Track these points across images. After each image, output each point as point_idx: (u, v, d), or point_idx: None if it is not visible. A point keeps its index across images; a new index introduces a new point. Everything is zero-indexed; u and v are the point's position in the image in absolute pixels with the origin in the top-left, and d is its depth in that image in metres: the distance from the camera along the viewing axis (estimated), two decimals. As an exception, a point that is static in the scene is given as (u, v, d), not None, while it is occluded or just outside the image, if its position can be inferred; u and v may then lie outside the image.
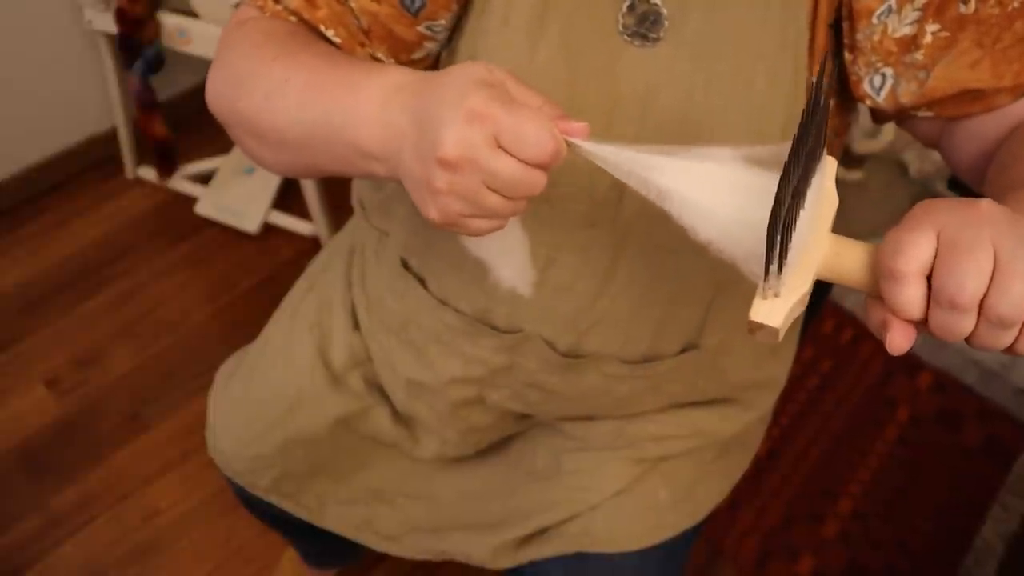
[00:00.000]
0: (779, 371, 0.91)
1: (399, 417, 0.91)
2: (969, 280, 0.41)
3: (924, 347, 1.73)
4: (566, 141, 0.50)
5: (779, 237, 0.43)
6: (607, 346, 0.76)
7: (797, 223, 0.46)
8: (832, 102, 0.67)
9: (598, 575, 0.86)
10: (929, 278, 0.43)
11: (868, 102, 0.65)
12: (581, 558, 0.86)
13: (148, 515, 1.49)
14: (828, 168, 0.49)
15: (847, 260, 0.47)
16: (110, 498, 1.51)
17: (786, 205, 0.43)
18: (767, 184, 0.44)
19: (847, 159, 1.77)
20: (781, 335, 0.47)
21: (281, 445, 0.90)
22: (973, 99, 0.61)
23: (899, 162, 1.78)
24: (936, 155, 1.72)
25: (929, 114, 0.64)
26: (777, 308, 0.46)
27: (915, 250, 0.42)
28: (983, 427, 1.64)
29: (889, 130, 1.77)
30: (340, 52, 0.62)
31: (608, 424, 0.85)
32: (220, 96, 0.62)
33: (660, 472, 0.86)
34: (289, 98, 0.57)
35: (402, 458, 0.93)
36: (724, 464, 0.91)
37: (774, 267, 0.44)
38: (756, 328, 0.47)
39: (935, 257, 0.43)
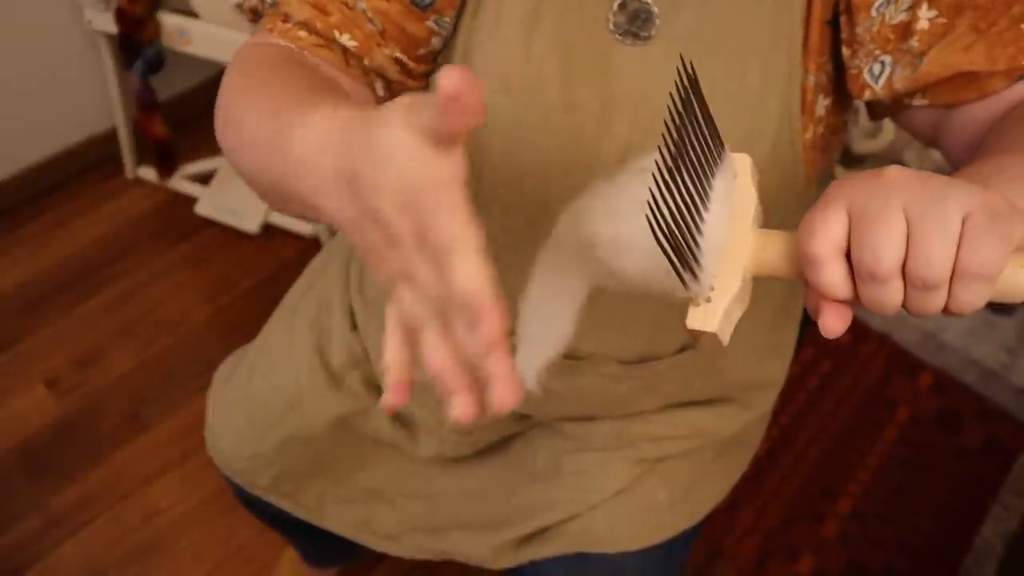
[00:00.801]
0: (777, 371, 0.91)
1: (398, 417, 0.91)
2: (883, 249, 0.40)
3: (924, 347, 1.74)
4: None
5: (675, 243, 0.42)
6: (604, 347, 0.76)
7: (704, 225, 0.44)
8: (828, 101, 0.67)
9: (598, 575, 0.86)
10: (850, 256, 0.42)
11: (867, 93, 0.64)
12: (581, 558, 0.86)
13: (148, 515, 1.49)
14: (740, 164, 0.48)
15: (771, 252, 0.46)
16: (110, 498, 1.51)
17: (667, 208, 0.41)
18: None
19: (847, 159, 1.77)
20: (724, 339, 0.46)
21: (280, 444, 0.91)
22: (967, 84, 0.61)
23: (899, 162, 1.78)
24: (936, 155, 1.72)
25: (924, 102, 0.63)
26: (711, 312, 0.45)
27: (826, 228, 0.41)
28: (983, 427, 1.64)
29: (889, 130, 1.77)
30: (302, 84, 0.55)
31: (608, 424, 0.85)
32: (217, 129, 0.59)
33: (659, 472, 0.86)
34: (249, 140, 0.52)
35: (401, 458, 0.93)
36: (724, 464, 0.91)
37: (687, 275, 0.43)
38: (697, 335, 0.46)
39: (849, 233, 0.42)
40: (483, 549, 0.91)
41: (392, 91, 0.68)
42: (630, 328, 0.75)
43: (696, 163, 0.44)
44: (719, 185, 0.46)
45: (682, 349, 0.78)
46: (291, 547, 1.35)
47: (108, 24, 1.72)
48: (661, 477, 0.86)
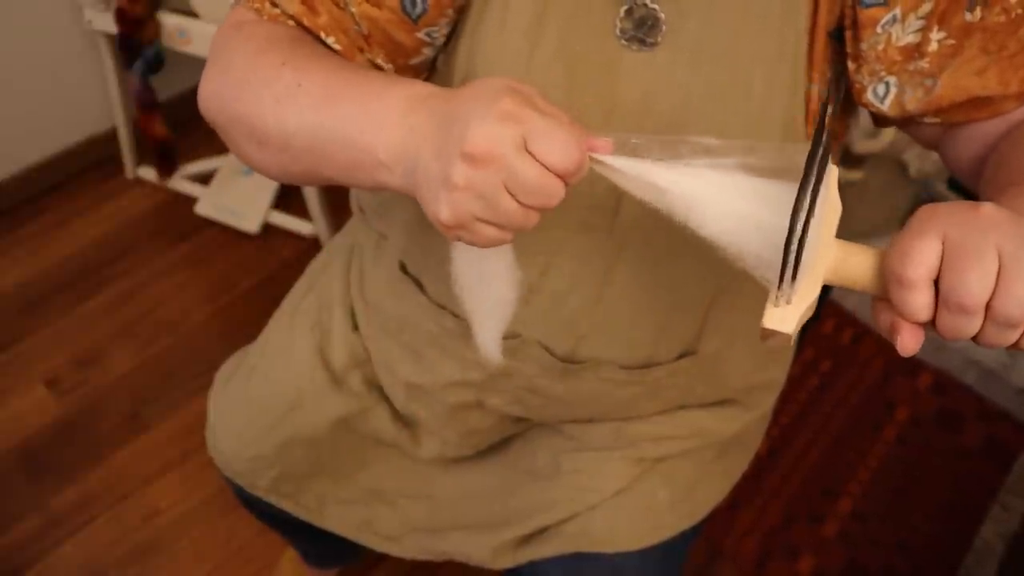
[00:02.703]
0: (778, 373, 0.91)
1: (399, 417, 0.91)
2: (976, 284, 0.43)
3: (924, 347, 1.73)
4: (590, 157, 0.50)
5: (795, 248, 0.44)
6: (605, 351, 0.76)
7: (809, 231, 0.47)
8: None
9: (597, 575, 0.86)
10: (936, 281, 0.44)
11: (872, 110, 0.65)
12: (580, 558, 0.86)
13: (148, 515, 1.49)
14: (831, 176, 0.51)
15: (854, 266, 0.49)
16: (110, 498, 1.51)
17: (803, 219, 0.44)
18: (774, 191, 0.46)
19: (847, 159, 1.77)
20: (793, 341, 0.49)
21: (281, 445, 0.90)
22: (980, 106, 0.62)
23: (899, 162, 1.78)
24: (936, 156, 1.72)
25: (935, 120, 0.64)
26: (789, 315, 0.48)
27: (922, 256, 0.44)
28: (983, 427, 1.64)
29: (889, 131, 1.77)
30: (348, 61, 0.61)
31: (607, 424, 0.85)
32: (216, 98, 0.61)
33: (659, 472, 0.86)
34: (301, 102, 0.56)
35: (402, 458, 0.93)
36: (724, 464, 0.91)
37: (788, 275, 0.46)
38: (768, 335, 0.48)
39: (941, 262, 0.44)
40: (483, 549, 0.91)
41: None
42: (632, 333, 0.75)
43: (821, 171, 0.47)
44: (821, 192, 0.49)
45: (682, 355, 0.78)
46: (291, 547, 1.35)
47: (108, 24, 1.72)
48: (661, 477, 0.86)
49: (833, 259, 0.49)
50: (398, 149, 0.52)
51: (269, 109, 0.57)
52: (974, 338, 0.46)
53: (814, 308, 0.50)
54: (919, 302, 0.44)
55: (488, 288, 0.59)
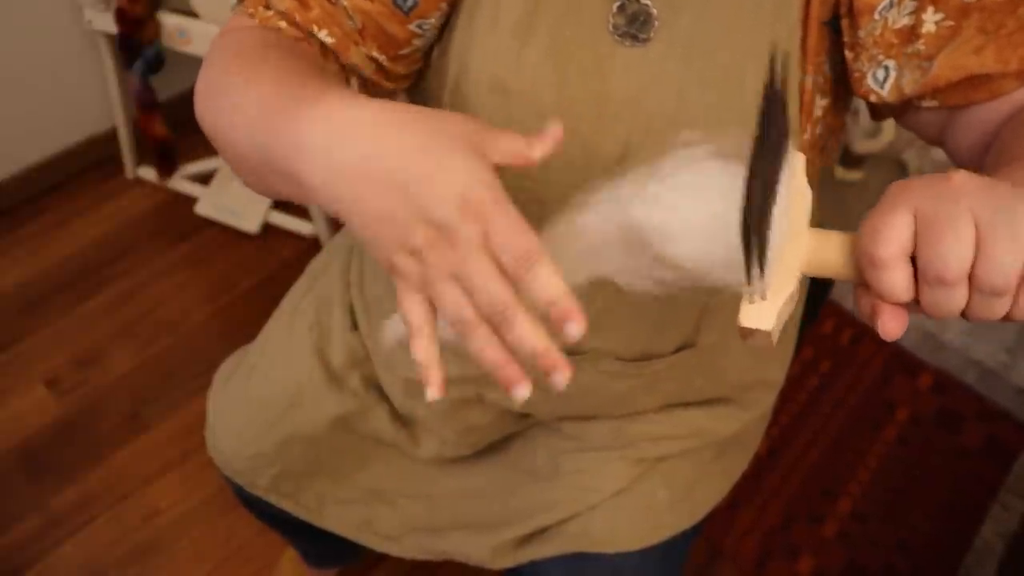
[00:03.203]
0: (777, 370, 0.91)
1: (398, 417, 0.91)
2: (953, 254, 0.40)
3: (924, 347, 1.74)
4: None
5: (754, 238, 0.42)
6: (604, 344, 0.76)
7: (772, 222, 0.45)
8: (825, 102, 0.67)
9: (597, 575, 0.86)
10: (913, 258, 0.42)
11: (872, 97, 0.64)
12: (580, 558, 0.86)
13: (148, 515, 1.49)
14: (796, 162, 0.48)
15: (828, 252, 0.46)
16: (110, 498, 1.51)
17: (757, 204, 0.42)
18: (726, 184, 0.43)
19: (847, 159, 1.77)
20: (775, 338, 0.46)
21: (280, 444, 0.91)
22: (978, 85, 0.61)
23: (899, 162, 1.78)
24: (936, 155, 1.72)
25: (933, 103, 0.63)
26: (766, 311, 0.45)
27: (893, 232, 0.42)
28: (983, 427, 1.64)
29: (889, 130, 1.77)
30: (300, 67, 0.56)
31: (607, 424, 0.85)
32: (201, 111, 0.59)
33: (659, 472, 0.86)
34: (242, 118, 0.53)
35: (402, 458, 0.93)
36: (723, 464, 0.91)
37: (755, 270, 0.43)
38: (748, 334, 0.46)
39: (915, 236, 0.42)
40: (483, 549, 0.91)
41: (367, 88, 0.67)
42: (631, 326, 0.75)
43: (777, 158, 0.45)
44: (782, 182, 0.46)
45: (681, 348, 0.78)
46: (291, 547, 1.35)
47: (108, 24, 1.72)
48: (661, 477, 0.86)
49: (806, 248, 0.47)
50: (330, 191, 0.46)
51: (225, 124, 0.55)
52: (964, 313, 0.43)
53: (795, 301, 0.48)
54: (895, 280, 0.42)
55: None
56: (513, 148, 0.46)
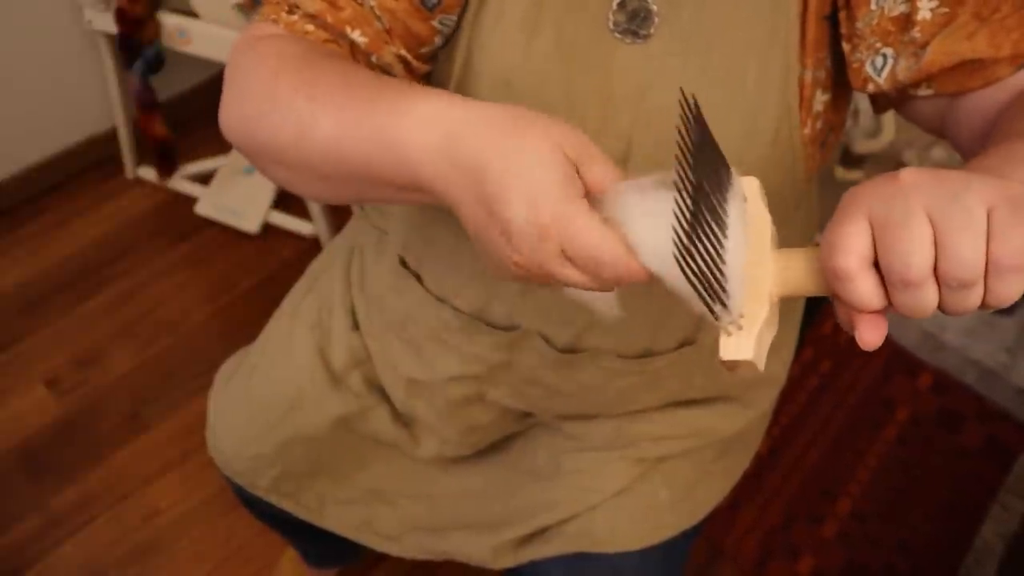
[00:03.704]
0: (778, 369, 0.91)
1: (399, 417, 0.91)
2: (914, 255, 0.40)
3: (924, 347, 1.74)
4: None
5: (704, 277, 0.42)
6: (605, 342, 0.76)
7: (726, 255, 0.44)
8: (826, 97, 0.67)
9: (598, 575, 0.86)
10: (878, 264, 0.42)
11: (870, 87, 0.64)
12: (581, 558, 0.86)
13: (148, 515, 1.49)
14: (748, 189, 0.47)
15: (795, 272, 0.46)
16: (110, 498, 1.51)
17: (689, 245, 0.41)
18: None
19: (847, 159, 1.77)
20: (760, 365, 0.46)
21: (281, 445, 0.91)
22: (972, 72, 0.60)
23: (899, 162, 1.78)
24: (936, 154, 1.72)
25: (928, 91, 0.63)
26: (743, 341, 0.45)
27: (849, 242, 0.41)
28: (983, 427, 1.64)
29: (889, 130, 1.77)
30: (356, 71, 0.57)
31: (608, 424, 0.85)
32: (238, 127, 0.59)
33: (660, 472, 0.86)
34: (319, 133, 0.53)
35: (402, 458, 0.93)
36: (724, 464, 0.91)
37: (717, 307, 0.43)
38: (732, 366, 0.45)
39: (875, 242, 0.41)
40: (483, 549, 0.91)
41: None
42: (631, 323, 0.75)
43: (712, 194, 0.44)
44: (732, 211, 0.46)
45: (682, 345, 0.78)
46: (291, 547, 1.35)
47: (108, 24, 1.72)
48: (662, 476, 0.86)
49: (774, 271, 0.46)
50: (434, 182, 0.49)
51: (290, 142, 0.55)
52: (940, 309, 0.42)
53: (775, 325, 0.47)
54: (862, 291, 0.41)
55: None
56: (606, 173, 0.47)
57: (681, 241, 0.41)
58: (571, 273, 0.46)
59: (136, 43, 1.71)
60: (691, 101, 0.45)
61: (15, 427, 1.59)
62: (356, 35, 0.62)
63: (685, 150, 0.43)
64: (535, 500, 0.88)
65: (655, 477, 0.86)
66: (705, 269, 0.42)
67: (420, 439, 0.91)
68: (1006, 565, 1.45)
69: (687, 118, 0.44)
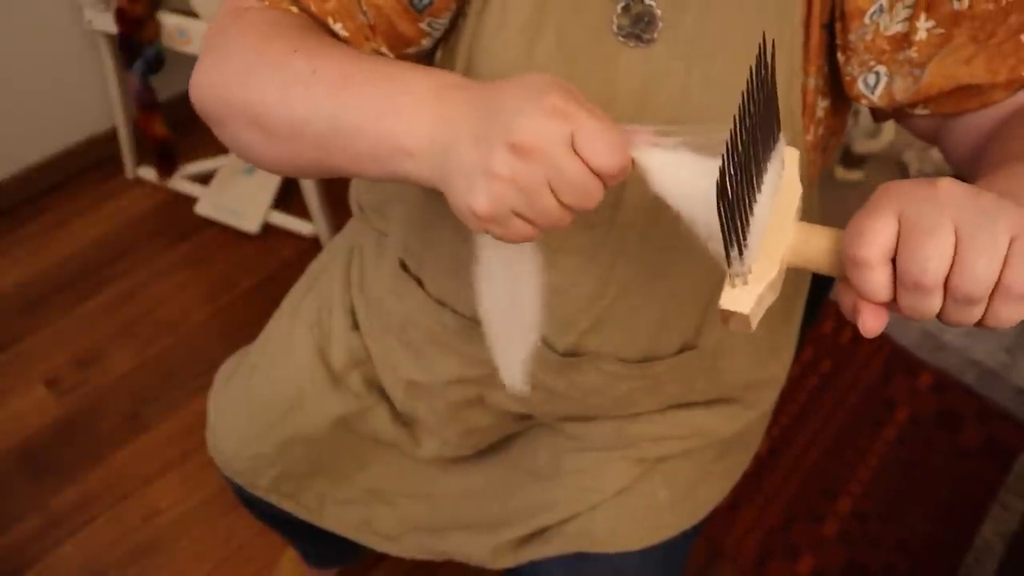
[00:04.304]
0: (778, 370, 0.91)
1: (399, 417, 0.91)
2: (931, 262, 0.41)
3: (924, 347, 1.74)
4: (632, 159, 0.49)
5: (731, 216, 0.43)
6: (606, 346, 0.76)
7: (755, 208, 0.46)
8: (826, 103, 0.67)
9: (598, 575, 0.86)
10: (895, 260, 0.43)
11: (864, 102, 0.65)
12: (581, 558, 0.86)
13: (148, 515, 1.49)
14: (788, 157, 0.50)
15: (813, 246, 0.48)
16: (110, 498, 1.51)
17: (733, 181, 0.43)
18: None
19: (847, 159, 1.77)
20: (753, 323, 0.48)
21: (281, 445, 0.91)
22: (969, 95, 0.61)
23: (899, 162, 1.78)
24: (936, 155, 1.72)
25: (925, 111, 0.64)
26: (745, 295, 0.47)
27: (876, 236, 0.43)
28: (983, 427, 1.64)
29: (889, 130, 1.77)
30: (358, 49, 0.60)
31: (608, 424, 0.85)
32: (214, 87, 0.59)
33: (660, 472, 0.86)
34: (315, 89, 0.54)
35: (402, 458, 0.93)
36: (724, 464, 0.91)
37: (734, 252, 0.45)
38: (727, 316, 0.47)
39: (898, 240, 0.43)
40: (483, 549, 0.91)
41: None
42: (632, 327, 0.75)
43: (761, 144, 0.46)
44: (770, 172, 0.48)
45: (683, 349, 0.78)
46: (291, 547, 1.34)
47: (108, 24, 1.72)
48: (662, 477, 0.86)
49: (792, 240, 0.48)
50: (427, 138, 0.50)
51: (278, 97, 0.55)
52: (939, 317, 0.44)
53: (777, 290, 0.49)
54: (876, 282, 0.43)
55: (517, 295, 0.58)
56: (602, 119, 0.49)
57: (728, 172, 0.42)
58: (573, 164, 0.46)
59: (136, 43, 1.71)
60: (770, 47, 0.46)
61: (15, 427, 1.59)
62: (338, 27, 0.62)
63: (754, 90, 0.44)
64: (535, 500, 0.88)
65: (655, 477, 0.86)
66: (736, 211, 0.43)
67: (420, 439, 0.91)
68: (1006, 565, 1.45)
69: (762, 62, 0.45)
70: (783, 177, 0.49)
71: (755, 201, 0.46)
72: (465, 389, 0.83)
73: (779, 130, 0.48)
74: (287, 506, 0.95)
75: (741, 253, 0.45)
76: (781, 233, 0.48)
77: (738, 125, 0.43)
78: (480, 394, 0.84)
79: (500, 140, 0.46)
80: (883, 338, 1.77)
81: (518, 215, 0.48)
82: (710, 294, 0.74)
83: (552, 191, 0.47)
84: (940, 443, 1.63)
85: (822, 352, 1.75)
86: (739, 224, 0.44)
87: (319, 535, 1.03)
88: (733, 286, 0.47)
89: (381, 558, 1.40)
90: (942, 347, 1.70)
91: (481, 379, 0.82)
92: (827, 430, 1.64)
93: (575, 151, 0.46)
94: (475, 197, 0.47)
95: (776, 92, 0.47)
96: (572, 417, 0.86)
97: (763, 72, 0.45)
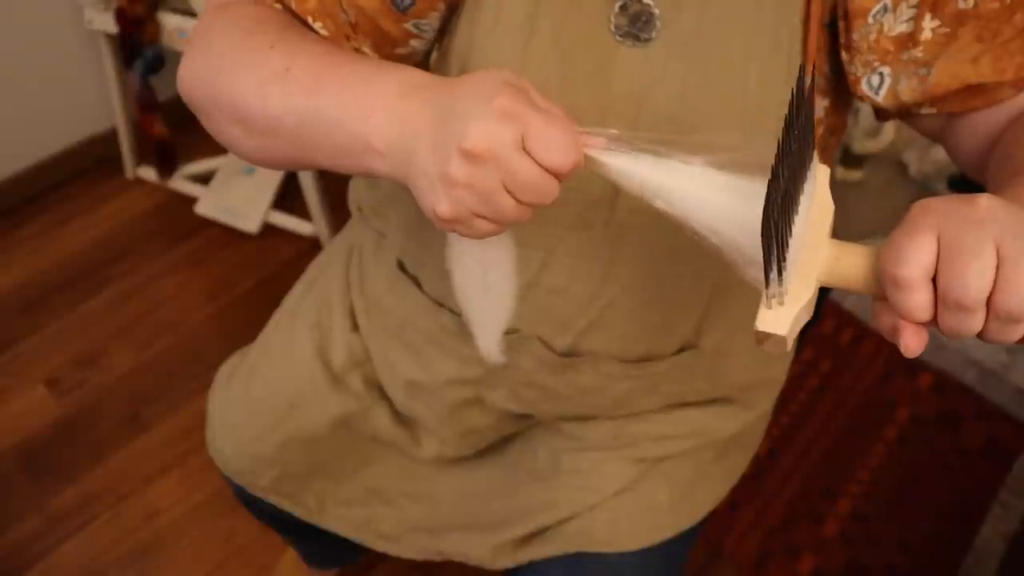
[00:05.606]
0: (778, 370, 0.91)
1: (399, 417, 0.91)
2: (974, 281, 0.41)
3: (924, 347, 1.73)
4: (585, 155, 0.50)
5: (774, 243, 0.43)
6: (604, 346, 0.76)
7: (793, 229, 0.46)
8: (826, 103, 0.67)
9: (597, 575, 0.86)
10: (935, 279, 0.43)
11: (868, 102, 0.65)
12: (580, 558, 0.86)
13: (148, 515, 1.49)
14: (820, 175, 0.50)
15: (848, 265, 0.47)
16: (110, 498, 1.51)
17: (776, 209, 0.43)
18: (756, 189, 0.45)
19: (847, 159, 1.77)
20: (790, 343, 0.47)
21: (281, 445, 0.91)
22: (975, 94, 0.61)
23: (899, 162, 1.78)
24: (936, 155, 1.72)
25: (932, 111, 0.64)
26: (782, 316, 0.46)
27: (917, 256, 0.43)
28: (983, 427, 1.64)
29: (889, 130, 1.77)
30: (338, 47, 0.60)
31: (607, 424, 0.85)
32: (199, 80, 0.60)
33: (660, 472, 0.86)
34: (289, 86, 0.55)
35: (402, 458, 0.93)
36: (724, 464, 0.91)
37: (774, 274, 0.45)
38: (764, 338, 0.47)
39: (938, 259, 0.43)
40: (483, 549, 0.91)
41: None
42: (631, 328, 0.75)
43: (801, 167, 0.46)
44: (806, 190, 0.48)
45: (682, 349, 0.78)
46: (291, 548, 1.34)
47: (108, 24, 1.72)
48: (662, 477, 0.86)
49: (826, 259, 0.48)
50: (390, 137, 0.51)
51: (255, 92, 0.57)
52: (979, 335, 0.44)
53: (811, 310, 0.49)
54: (917, 302, 0.43)
55: (488, 281, 0.59)
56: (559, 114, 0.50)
57: (775, 201, 0.42)
58: (525, 166, 0.47)
59: (136, 43, 1.71)
60: (809, 74, 0.47)
61: (15, 427, 1.59)
62: (318, 26, 0.62)
63: (794, 119, 0.45)
64: (535, 500, 0.88)
65: (655, 477, 0.86)
66: (775, 235, 0.44)
67: (420, 439, 0.91)
68: (1006, 564, 1.45)
69: (802, 89, 0.45)
70: (815, 194, 0.49)
71: (793, 223, 0.46)
72: (464, 389, 0.83)
73: (814, 149, 0.49)
74: (287, 506, 0.95)
75: (780, 275, 0.45)
76: (815, 251, 0.48)
77: (780, 154, 0.43)
78: (478, 394, 0.84)
79: (454, 146, 0.47)
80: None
81: (479, 216, 0.49)
82: (710, 294, 0.74)
83: (508, 192, 0.48)
84: (940, 443, 1.62)
85: (822, 352, 1.75)
86: (778, 247, 0.44)
87: (319, 535, 1.03)
88: (769, 307, 0.47)
89: (381, 558, 1.40)
90: (942, 347, 1.70)
91: (479, 379, 0.82)
92: (827, 430, 1.64)
93: (527, 151, 0.47)
94: (437, 201, 0.49)
95: (813, 114, 0.48)
96: (571, 417, 0.86)
97: (802, 99, 0.45)
